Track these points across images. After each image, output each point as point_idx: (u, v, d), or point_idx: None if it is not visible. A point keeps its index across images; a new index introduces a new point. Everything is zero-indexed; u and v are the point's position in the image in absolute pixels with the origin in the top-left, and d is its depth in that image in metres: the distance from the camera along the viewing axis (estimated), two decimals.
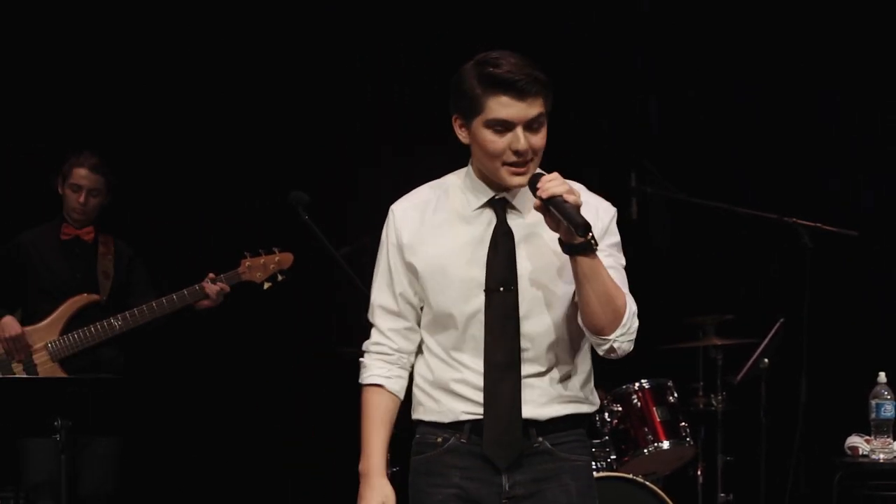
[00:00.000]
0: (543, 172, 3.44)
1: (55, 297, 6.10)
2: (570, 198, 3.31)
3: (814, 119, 7.47)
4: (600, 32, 7.58)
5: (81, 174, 6.13)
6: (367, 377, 3.67)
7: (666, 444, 6.35)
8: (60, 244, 6.20)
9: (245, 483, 7.51)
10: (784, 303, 6.70)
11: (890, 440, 5.99)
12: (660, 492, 5.94)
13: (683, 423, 6.44)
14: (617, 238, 3.57)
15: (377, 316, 3.68)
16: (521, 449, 3.49)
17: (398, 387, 3.65)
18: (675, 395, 6.49)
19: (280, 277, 6.22)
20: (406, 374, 3.66)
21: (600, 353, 3.50)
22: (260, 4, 7.54)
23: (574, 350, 3.56)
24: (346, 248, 5.95)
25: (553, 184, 3.33)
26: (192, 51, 7.41)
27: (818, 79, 7.46)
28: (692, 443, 6.48)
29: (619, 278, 3.47)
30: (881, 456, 5.98)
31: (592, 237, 3.33)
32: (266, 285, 6.20)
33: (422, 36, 7.49)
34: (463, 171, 3.62)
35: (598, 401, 3.67)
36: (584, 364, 3.61)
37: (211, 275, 6.12)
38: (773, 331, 6.60)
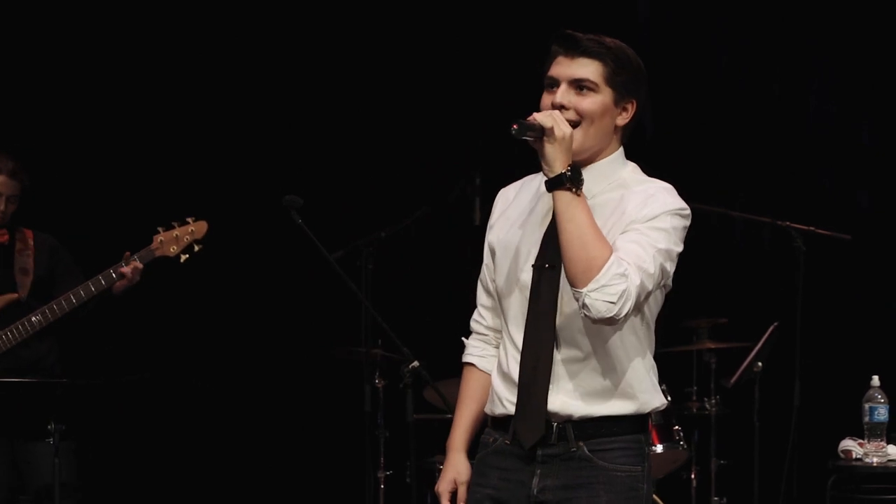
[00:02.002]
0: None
1: None
2: (538, 116, 3.35)
3: (807, 122, 7.48)
4: (595, 34, 7.58)
5: (0, 181, 5.94)
6: (464, 356, 3.74)
7: (659, 448, 6.35)
8: None
9: (240, 484, 7.51)
10: (778, 306, 6.70)
11: (883, 444, 5.99)
12: (653, 495, 5.93)
13: (677, 427, 6.44)
14: (663, 226, 3.45)
15: (478, 292, 3.72)
16: (543, 432, 3.42)
17: (491, 366, 3.65)
18: (669, 398, 6.48)
19: (197, 248, 5.94)
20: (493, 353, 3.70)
21: (579, 309, 3.36)
22: None
23: (621, 339, 3.46)
24: (339, 251, 5.94)
25: (542, 113, 3.38)
26: (162, 43, 7.40)
27: (812, 81, 7.47)
28: (685, 446, 6.48)
29: (637, 252, 3.37)
30: (874, 459, 5.98)
31: (568, 176, 3.31)
32: (182, 258, 5.92)
33: (419, 38, 7.48)
34: None
35: (656, 400, 3.53)
36: (636, 357, 3.50)
37: (127, 253, 5.89)
38: (766, 334, 6.60)
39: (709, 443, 6.78)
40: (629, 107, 3.52)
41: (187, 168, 7.33)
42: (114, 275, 5.83)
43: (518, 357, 3.48)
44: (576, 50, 3.48)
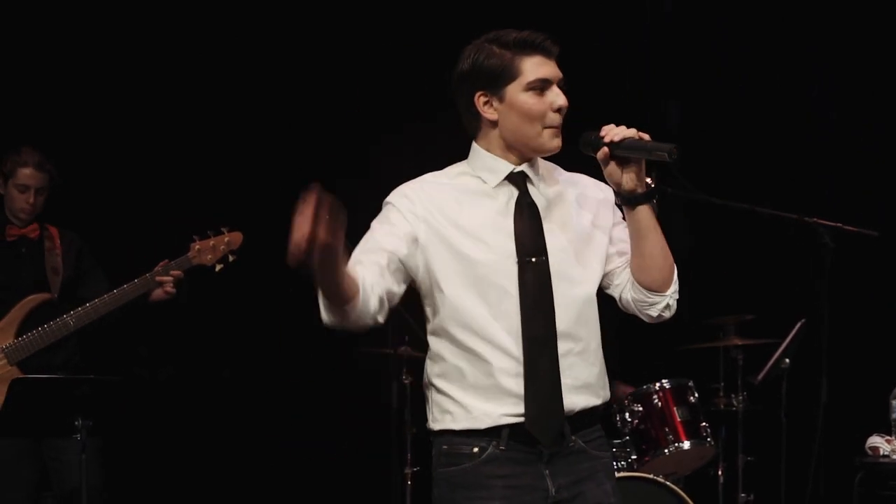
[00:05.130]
0: (591, 132, 3.44)
1: (6, 300, 5.93)
2: (642, 135, 3.36)
3: (834, 119, 7.47)
4: (621, 33, 7.58)
5: (27, 173, 5.95)
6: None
7: (686, 445, 6.35)
8: (6, 246, 6.03)
9: (268, 480, 7.53)
10: (804, 303, 6.69)
11: None
12: (680, 492, 5.94)
13: (704, 424, 6.44)
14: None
15: (367, 250, 3.44)
16: (563, 424, 3.41)
17: (359, 276, 3.32)
18: (696, 395, 6.48)
19: (231, 258, 6.00)
20: (375, 287, 3.36)
21: (652, 316, 3.51)
22: None
23: (597, 331, 3.53)
24: None
25: (619, 128, 3.38)
26: (158, 42, 7.38)
27: (839, 79, 7.46)
28: (713, 443, 6.48)
29: None
30: None
31: (657, 189, 3.39)
32: (218, 267, 5.98)
33: (430, 41, 7.47)
34: (462, 163, 3.59)
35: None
36: (601, 346, 3.56)
37: (163, 262, 5.93)
38: (793, 331, 6.59)
39: (736, 439, 6.78)
40: None
41: (205, 170, 7.34)
42: (151, 280, 5.87)
43: (511, 365, 3.40)
44: (553, 50, 3.48)
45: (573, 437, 3.45)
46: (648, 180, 3.39)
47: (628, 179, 3.38)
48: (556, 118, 3.43)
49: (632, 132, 3.36)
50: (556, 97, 3.43)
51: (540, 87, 3.43)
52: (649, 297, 3.47)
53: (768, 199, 6.92)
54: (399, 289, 3.48)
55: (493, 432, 3.42)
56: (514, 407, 3.40)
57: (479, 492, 3.43)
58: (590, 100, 7.11)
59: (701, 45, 7.57)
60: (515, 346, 3.40)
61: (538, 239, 3.44)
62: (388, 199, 3.54)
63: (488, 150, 3.53)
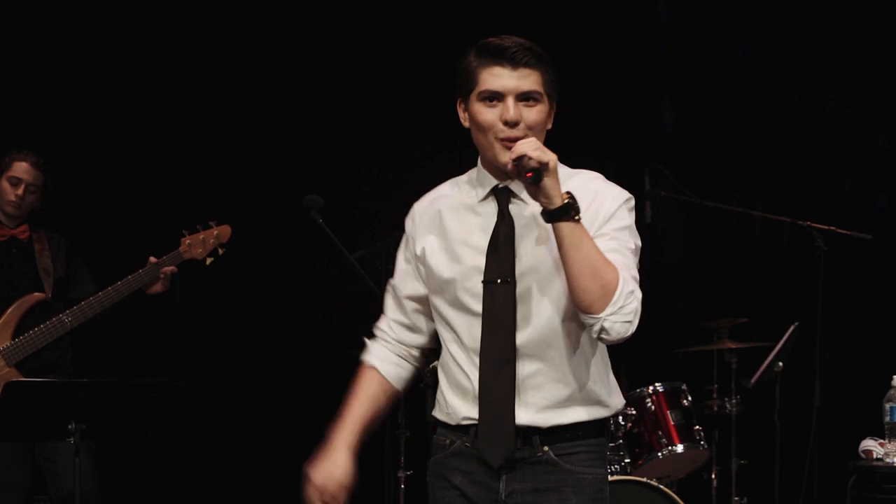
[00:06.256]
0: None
1: (1, 300, 5.95)
2: (533, 154, 3.20)
3: (827, 121, 7.47)
4: (615, 33, 7.58)
5: (23, 168, 5.98)
6: (365, 356, 3.70)
7: (680, 448, 6.34)
8: None
9: (259, 484, 7.52)
10: (798, 306, 6.70)
11: None
12: (674, 495, 5.93)
13: (697, 427, 6.43)
14: (625, 223, 3.40)
15: (388, 304, 3.69)
16: (514, 449, 3.38)
17: (393, 373, 3.65)
18: (689, 398, 6.48)
19: (220, 251, 6.04)
20: (407, 366, 3.67)
21: (593, 335, 3.30)
22: None
23: (582, 347, 3.43)
24: (360, 251, 5.95)
25: (524, 145, 3.24)
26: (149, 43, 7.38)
27: (832, 81, 7.46)
28: (706, 446, 6.47)
29: (622, 261, 3.31)
30: (895, 459, 5.98)
31: (572, 206, 3.22)
32: (208, 261, 6.02)
33: (438, 41, 7.49)
34: (475, 168, 3.55)
35: (618, 402, 3.52)
36: (597, 362, 3.47)
37: (152, 258, 5.95)
38: (787, 334, 6.60)
39: (729, 443, 6.78)
40: (553, 109, 3.46)
41: (204, 169, 7.34)
42: (144, 276, 5.88)
43: (473, 374, 3.42)
44: (519, 61, 3.35)
45: (545, 448, 3.42)
46: (565, 195, 3.24)
47: (541, 195, 3.24)
48: (505, 131, 3.34)
49: (526, 149, 3.22)
50: (506, 110, 3.34)
51: (488, 97, 3.36)
52: (583, 318, 3.30)
53: (762, 202, 6.94)
54: (430, 325, 3.64)
55: (462, 429, 3.48)
56: (472, 409, 3.45)
57: (443, 482, 3.52)
58: (589, 100, 7.19)
59: (698, 46, 7.56)
60: (478, 362, 3.44)
61: (507, 261, 3.39)
62: (406, 220, 3.66)
63: (481, 163, 3.51)
